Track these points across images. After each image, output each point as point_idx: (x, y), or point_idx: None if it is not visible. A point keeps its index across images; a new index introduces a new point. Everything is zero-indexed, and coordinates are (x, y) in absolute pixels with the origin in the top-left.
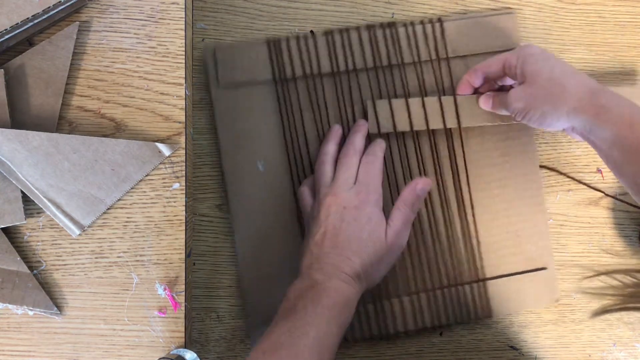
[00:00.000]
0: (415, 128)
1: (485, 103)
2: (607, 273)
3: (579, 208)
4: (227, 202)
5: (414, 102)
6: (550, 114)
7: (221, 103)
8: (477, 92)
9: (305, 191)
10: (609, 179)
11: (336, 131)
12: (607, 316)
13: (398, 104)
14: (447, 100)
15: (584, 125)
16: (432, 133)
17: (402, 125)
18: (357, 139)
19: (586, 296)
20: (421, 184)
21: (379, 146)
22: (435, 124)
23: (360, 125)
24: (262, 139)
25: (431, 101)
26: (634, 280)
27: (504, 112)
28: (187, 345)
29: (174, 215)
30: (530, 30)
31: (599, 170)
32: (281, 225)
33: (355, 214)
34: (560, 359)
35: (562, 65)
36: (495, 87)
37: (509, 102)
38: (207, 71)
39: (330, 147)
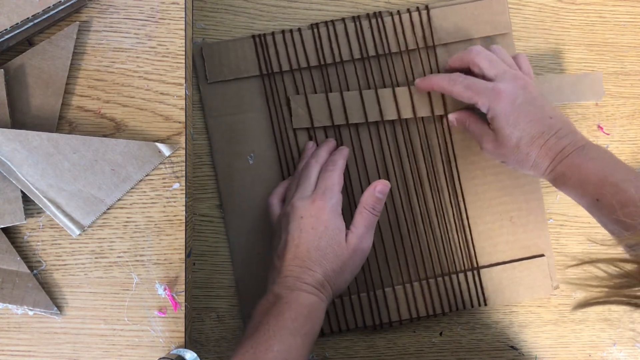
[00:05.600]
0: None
1: (455, 119)
2: (590, 262)
3: (579, 208)
4: (219, 195)
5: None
6: (519, 170)
7: (210, 99)
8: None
9: (274, 203)
10: None
11: (310, 149)
12: (607, 316)
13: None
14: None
15: (548, 180)
16: (421, 121)
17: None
18: (322, 152)
19: (571, 287)
20: (380, 186)
21: (340, 154)
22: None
23: (328, 142)
24: (252, 133)
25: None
26: (618, 270)
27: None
28: (187, 345)
29: (174, 215)
30: (530, 30)
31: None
32: None
33: (313, 223)
34: (560, 359)
35: (532, 128)
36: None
37: (482, 148)
38: (196, 68)
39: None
